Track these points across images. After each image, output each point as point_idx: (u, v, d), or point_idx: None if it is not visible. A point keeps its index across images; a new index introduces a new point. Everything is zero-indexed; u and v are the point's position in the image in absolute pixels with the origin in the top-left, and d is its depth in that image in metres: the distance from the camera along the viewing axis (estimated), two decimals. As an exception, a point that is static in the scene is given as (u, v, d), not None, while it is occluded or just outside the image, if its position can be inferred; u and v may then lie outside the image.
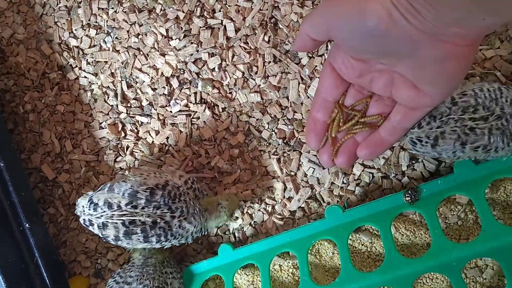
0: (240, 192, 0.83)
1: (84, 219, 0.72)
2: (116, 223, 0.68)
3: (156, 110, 0.86)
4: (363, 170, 0.79)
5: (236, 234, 0.84)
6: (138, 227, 0.68)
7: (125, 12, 0.87)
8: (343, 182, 0.79)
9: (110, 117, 0.88)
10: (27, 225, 0.78)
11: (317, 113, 0.61)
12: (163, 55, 0.86)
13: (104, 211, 0.69)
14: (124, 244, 0.71)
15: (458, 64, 0.49)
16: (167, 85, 0.86)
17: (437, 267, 0.64)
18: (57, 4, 0.90)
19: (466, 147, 0.59)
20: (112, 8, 0.88)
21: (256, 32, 0.83)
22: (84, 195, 0.74)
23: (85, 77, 0.89)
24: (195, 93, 0.85)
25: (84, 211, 0.72)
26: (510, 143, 0.60)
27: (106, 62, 0.88)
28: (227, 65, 0.84)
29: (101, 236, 0.71)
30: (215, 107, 0.85)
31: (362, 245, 0.76)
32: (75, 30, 0.89)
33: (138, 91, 0.87)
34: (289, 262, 0.79)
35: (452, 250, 0.64)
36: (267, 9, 0.82)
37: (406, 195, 0.70)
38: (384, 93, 0.56)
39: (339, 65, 0.55)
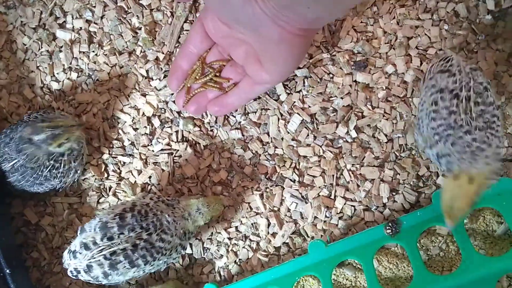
0: (224, 229, 0.82)
1: (71, 271, 0.71)
2: (99, 260, 0.67)
3: (138, 149, 0.86)
4: (345, 203, 0.79)
5: (221, 273, 0.83)
6: (120, 255, 0.67)
7: (106, 54, 0.89)
8: (326, 216, 0.80)
9: (93, 158, 0.88)
10: (7, 271, 0.77)
11: (181, 60, 0.70)
12: (144, 95, 0.87)
13: (84, 254, 0.68)
14: (115, 278, 0.70)
15: (291, 50, 0.57)
16: (148, 125, 0.86)
17: (420, 300, 0.64)
18: (39, 49, 0.91)
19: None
20: (93, 51, 0.89)
21: (235, 70, 0.84)
22: (68, 249, 0.74)
23: (67, 119, 0.90)
24: (177, 131, 0.86)
25: (68, 264, 0.72)
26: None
27: (87, 103, 0.88)
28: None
29: (92, 280, 0.71)
30: (197, 144, 0.85)
31: (347, 279, 0.75)
32: (57, 73, 0.90)
33: (120, 131, 0.87)
34: (274, 300, 0.78)
35: (434, 282, 0.64)
36: (244, 48, 0.84)
37: (387, 227, 0.70)
38: (239, 61, 0.65)
39: (208, 23, 0.63)
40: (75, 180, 0.83)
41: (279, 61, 0.60)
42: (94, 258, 0.68)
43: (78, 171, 0.82)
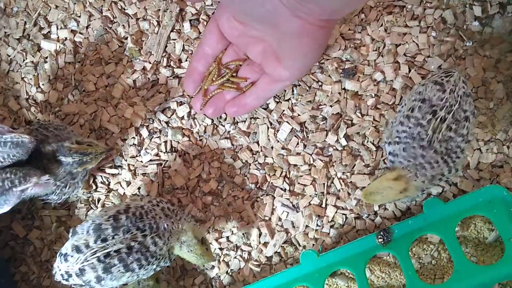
0: (215, 239, 0.82)
1: (61, 275, 0.68)
2: (92, 262, 0.65)
3: (126, 161, 0.85)
4: (336, 212, 0.79)
5: (213, 284, 0.82)
6: (114, 258, 0.65)
7: (92, 64, 0.87)
8: (317, 225, 0.79)
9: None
10: (-5, 288, 0.75)
11: (197, 63, 0.68)
12: (132, 105, 0.86)
13: (76, 257, 0.66)
14: (108, 283, 0.67)
15: (312, 43, 0.55)
16: (136, 135, 0.85)
17: (413, 310, 0.64)
18: (24, 60, 0.90)
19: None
20: (79, 61, 0.88)
21: (223, 79, 0.83)
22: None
23: (54, 130, 0.88)
24: (165, 141, 0.85)
25: (59, 267, 0.69)
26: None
27: (74, 115, 0.87)
28: (196, 113, 0.84)
29: (83, 285, 0.68)
30: (186, 154, 0.84)
31: (339, 289, 0.75)
32: (42, 85, 0.89)
33: (108, 142, 0.86)
34: (267, 311, 0.77)
35: (427, 292, 0.63)
36: (232, 57, 0.83)
37: (379, 236, 0.70)
38: (256, 59, 0.64)
39: (223, 23, 0.62)
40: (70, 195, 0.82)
41: (298, 56, 0.59)
42: (88, 260, 0.65)
43: (80, 187, 0.80)
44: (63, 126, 0.78)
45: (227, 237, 0.82)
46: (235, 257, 0.82)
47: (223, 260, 0.82)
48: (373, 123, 0.80)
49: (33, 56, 0.90)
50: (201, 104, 0.73)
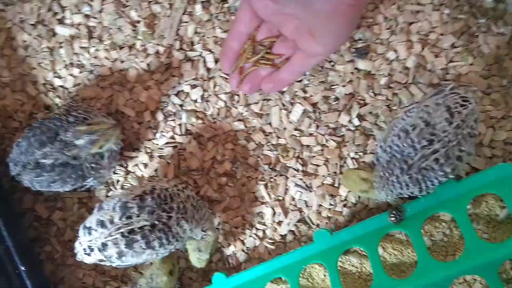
0: (231, 218, 0.84)
1: (84, 249, 0.70)
2: (116, 237, 0.67)
3: (143, 143, 0.87)
4: (349, 191, 0.80)
5: (230, 261, 0.85)
6: (137, 233, 0.67)
7: (106, 49, 0.89)
8: (330, 204, 0.81)
9: (99, 152, 0.89)
10: (23, 268, 0.79)
11: (232, 41, 0.69)
12: (146, 89, 0.87)
13: (100, 231, 0.68)
14: (129, 259, 0.70)
15: (343, 21, 0.58)
16: (152, 119, 0.87)
17: (425, 287, 0.65)
18: (40, 45, 0.91)
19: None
20: (93, 46, 0.89)
21: (235, 61, 0.84)
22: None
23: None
24: (180, 124, 0.86)
25: (80, 243, 0.71)
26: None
27: (91, 99, 0.89)
28: (209, 95, 0.85)
29: (105, 259, 0.70)
30: (201, 137, 0.86)
31: (352, 266, 0.77)
32: (59, 70, 0.90)
33: (124, 125, 0.88)
34: (282, 287, 0.80)
35: (438, 269, 0.65)
36: (244, 39, 0.83)
37: (391, 215, 0.71)
38: (290, 36, 0.65)
39: (255, 3, 0.63)
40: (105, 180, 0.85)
41: (332, 33, 0.61)
42: (112, 235, 0.67)
43: (114, 167, 0.84)
44: (88, 109, 0.81)
45: (242, 216, 0.84)
46: (250, 236, 0.84)
47: (238, 239, 0.84)
48: (386, 102, 0.80)
49: (48, 41, 0.91)
50: (237, 81, 0.75)
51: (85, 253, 0.71)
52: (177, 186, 0.74)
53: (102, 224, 0.68)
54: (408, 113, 0.68)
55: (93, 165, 0.78)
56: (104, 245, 0.68)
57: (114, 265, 0.72)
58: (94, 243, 0.69)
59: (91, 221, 0.70)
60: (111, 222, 0.68)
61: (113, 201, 0.70)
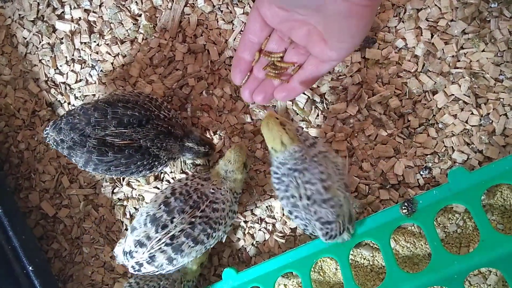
0: (240, 212, 0.83)
1: (132, 266, 0.71)
2: (160, 248, 0.69)
3: (148, 139, 0.86)
4: (359, 182, 0.79)
5: (239, 255, 0.84)
6: (180, 236, 0.69)
7: (108, 44, 0.87)
8: (340, 196, 0.79)
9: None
10: (30, 268, 0.78)
11: (242, 52, 0.68)
12: (150, 83, 0.86)
13: (141, 251, 0.69)
14: (180, 261, 0.71)
15: (358, 23, 0.55)
16: (156, 113, 0.85)
17: (439, 281, 0.64)
18: (40, 42, 0.89)
19: None
20: (94, 41, 0.87)
21: (240, 53, 0.82)
22: (118, 243, 0.76)
23: (75, 111, 0.89)
24: (186, 118, 0.85)
25: (127, 259, 0.72)
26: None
27: (94, 95, 0.88)
28: (214, 88, 0.84)
29: (156, 270, 0.71)
30: (207, 131, 0.85)
31: (364, 259, 0.76)
32: (60, 66, 0.89)
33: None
34: (293, 281, 0.79)
35: (452, 262, 0.64)
36: (248, 29, 0.81)
37: (403, 207, 0.70)
38: (301, 42, 0.63)
39: (265, 11, 0.62)
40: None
41: (346, 37, 0.58)
42: (154, 248, 0.68)
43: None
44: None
45: (251, 210, 0.83)
46: (259, 229, 0.83)
47: (248, 233, 0.83)
48: (395, 92, 0.78)
49: (48, 37, 0.89)
50: (249, 92, 0.71)
51: (134, 270, 0.72)
52: (188, 178, 0.74)
53: (140, 244, 0.69)
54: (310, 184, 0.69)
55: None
56: (151, 257, 0.69)
57: (166, 270, 0.72)
58: (142, 259, 0.70)
59: (129, 244, 0.70)
60: (148, 238, 0.68)
61: (142, 217, 0.70)
